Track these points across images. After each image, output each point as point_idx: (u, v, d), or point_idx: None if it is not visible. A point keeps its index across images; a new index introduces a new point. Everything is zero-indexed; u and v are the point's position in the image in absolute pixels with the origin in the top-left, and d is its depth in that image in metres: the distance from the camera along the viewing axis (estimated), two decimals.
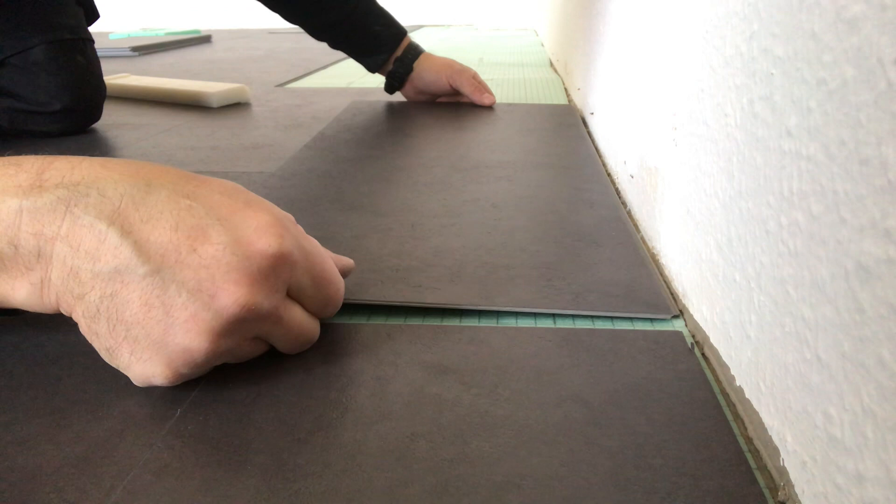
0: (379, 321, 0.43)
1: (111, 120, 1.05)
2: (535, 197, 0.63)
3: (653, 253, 0.53)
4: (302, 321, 0.37)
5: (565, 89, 1.30)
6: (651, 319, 0.42)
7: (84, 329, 0.33)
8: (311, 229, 0.53)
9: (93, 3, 1.03)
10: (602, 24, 0.86)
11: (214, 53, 2.06)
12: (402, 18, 3.81)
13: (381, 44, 1.06)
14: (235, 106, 1.15)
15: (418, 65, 1.07)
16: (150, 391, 0.36)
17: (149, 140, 0.92)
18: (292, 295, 0.36)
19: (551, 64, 1.68)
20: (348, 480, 0.29)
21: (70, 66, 0.93)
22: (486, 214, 0.59)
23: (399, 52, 1.07)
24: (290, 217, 0.37)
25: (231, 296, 0.32)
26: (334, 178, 0.70)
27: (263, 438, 0.32)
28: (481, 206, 0.61)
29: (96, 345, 0.33)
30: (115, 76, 1.31)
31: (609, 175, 0.74)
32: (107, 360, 0.34)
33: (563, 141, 0.85)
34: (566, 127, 0.92)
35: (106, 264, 0.31)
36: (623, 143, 0.67)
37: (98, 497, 0.29)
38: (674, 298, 0.46)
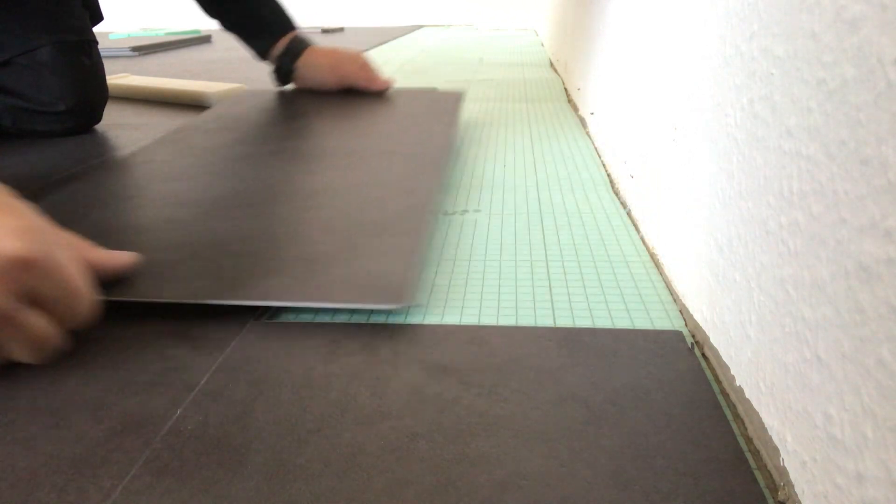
0: (379, 321, 0.43)
1: (111, 120, 1.05)
2: (360, 185, 0.63)
3: (653, 253, 0.53)
4: (39, 328, 0.37)
5: (565, 89, 1.30)
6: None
7: None
8: (99, 223, 0.55)
9: (97, 4, 1.03)
10: (602, 24, 0.86)
11: (214, 53, 2.05)
12: (403, 18, 3.78)
13: (265, 29, 1.03)
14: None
15: (303, 63, 1.03)
16: (150, 391, 0.36)
17: (149, 140, 0.92)
18: (37, 302, 0.36)
19: (551, 64, 1.68)
20: (348, 480, 0.29)
21: (75, 68, 0.94)
22: (295, 204, 0.58)
23: (283, 44, 1.03)
24: (55, 231, 0.38)
25: None
26: (166, 170, 0.70)
27: (263, 438, 0.32)
28: (297, 195, 0.60)
29: None
30: (115, 76, 1.31)
31: (609, 175, 0.74)
32: None
33: (429, 126, 0.83)
34: (439, 113, 0.89)
35: None
36: (623, 143, 0.67)
37: (98, 497, 0.29)
38: (673, 299, 0.46)
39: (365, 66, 1.05)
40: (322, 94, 1.04)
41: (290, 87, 1.08)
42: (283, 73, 1.05)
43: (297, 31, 1.05)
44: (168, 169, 0.70)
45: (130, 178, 0.67)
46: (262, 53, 1.06)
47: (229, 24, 1.05)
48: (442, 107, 0.92)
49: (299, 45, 1.04)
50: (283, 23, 1.04)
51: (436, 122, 0.85)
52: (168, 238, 0.52)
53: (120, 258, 0.45)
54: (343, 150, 0.74)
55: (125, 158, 0.74)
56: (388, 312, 0.44)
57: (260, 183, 0.64)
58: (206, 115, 0.93)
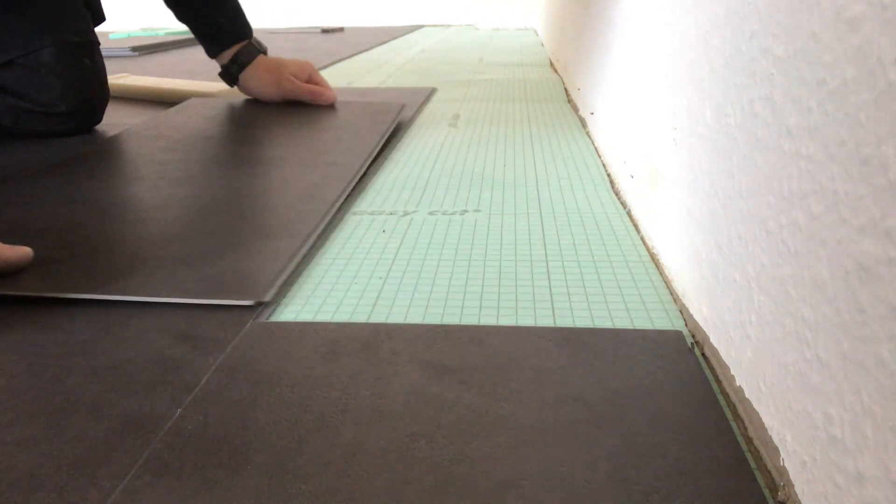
0: (379, 321, 0.43)
1: (111, 120, 1.05)
2: (266, 192, 0.66)
3: (653, 253, 0.53)
4: None
5: (565, 89, 1.30)
6: (638, 322, 0.42)
7: None
8: (7, 221, 0.60)
9: (100, 5, 1.03)
10: (602, 24, 0.86)
11: None
12: (403, 18, 3.78)
13: (218, 36, 1.04)
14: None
15: (248, 76, 1.04)
16: (150, 390, 0.36)
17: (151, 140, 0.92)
18: None
19: (551, 64, 1.68)
20: (348, 480, 0.29)
21: (77, 69, 0.94)
22: (196, 208, 0.61)
23: (232, 52, 1.04)
24: None
25: None
26: (86, 173, 0.73)
27: (263, 438, 0.32)
28: (201, 200, 0.64)
29: None
30: (115, 76, 1.30)
31: (609, 175, 0.74)
32: None
33: (356, 137, 0.85)
34: (372, 124, 0.92)
35: None
36: (623, 143, 0.67)
37: (98, 497, 0.29)
38: (673, 299, 0.46)
39: (312, 79, 1.06)
40: (266, 104, 1.07)
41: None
42: (229, 79, 1.07)
43: (250, 40, 1.05)
44: (88, 173, 0.73)
45: (52, 179, 0.71)
46: (212, 55, 1.07)
47: (185, 19, 1.05)
48: (377, 118, 0.96)
49: (248, 56, 1.04)
50: (237, 31, 1.04)
51: (365, 133, 0.88)
52: (59, 238, 0.55)
53: (14, 252, 0.48)
54: (263, 159, 0.77)
55: (59, 161, 0.77)
56: (245, 308, 0.45)
57: (170, 189, 0.67)
58: (146, 121, 0.96)
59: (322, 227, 0.58)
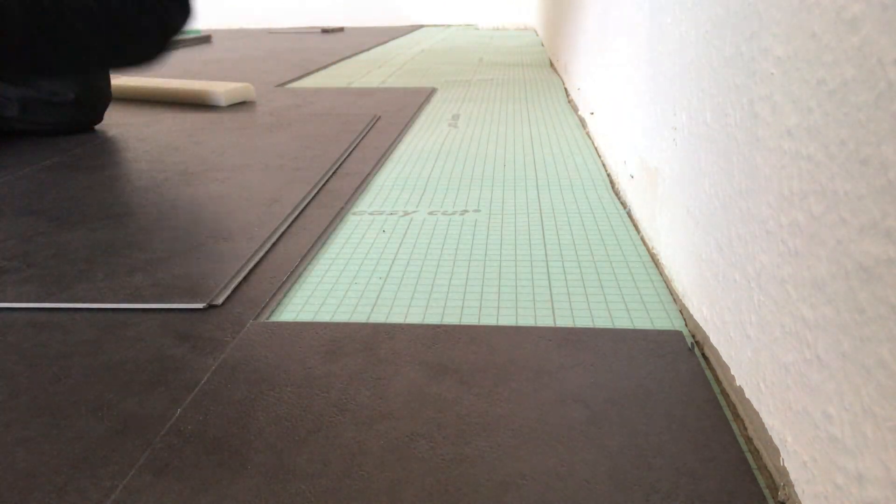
0: (379, 321, 0.43)
1: (111, 120, 1.05)
2: (228, 197, 0.67)
3: (653, 253, 0.53)
4: None
5: (565, 89, 1.30)
6: (654, 321, 0.42)
7: None
8: None
9: None
10: (602, 25, 0.86)
11: (215, 53, 2.05)
12: (403, 18, 3.78)
13: None
14: (239, 105, 1.15)
15: None
16: (150, 390, 0.36)
17: (153, 139, 0.92)
18: None
19: (551, 64, 1.68)
20: (348, 480, 0.29)
21: None
22: (158, 214, 0.62)
23: None
24: None
25: None
26: (53, 184, 0.74)
27: (263, 438, 0.32)
28: (162, 207, 0.65)
29: None
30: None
31: (609, 175, 0.74)
32: None
33: (325, 146, 0.86)
34: (344, 133, 0.93)
35: None
36: (623, 143, 0.67)
37: (98, 497, 0.29)
38: (673, 299, 0.46)
39: None
40: (238, 117, 1.07)
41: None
42: None
43: None
44: (52, 182, 0.74)
45: (16, 188, 0.72)
46: None
47: None
48: (348, 128, 0.97)
49: None
50: None
51: (334, 141, 0.89)
52: (17, 247, 0.55)
53: None
54: (228, 166, 0.78)
55: (25, 172, 0.78)
56: (194, 310, 0.45)
57: (133, 197, 0.68)
58: (116, 134, 0.98)
59: (284, 228, 0.58)
